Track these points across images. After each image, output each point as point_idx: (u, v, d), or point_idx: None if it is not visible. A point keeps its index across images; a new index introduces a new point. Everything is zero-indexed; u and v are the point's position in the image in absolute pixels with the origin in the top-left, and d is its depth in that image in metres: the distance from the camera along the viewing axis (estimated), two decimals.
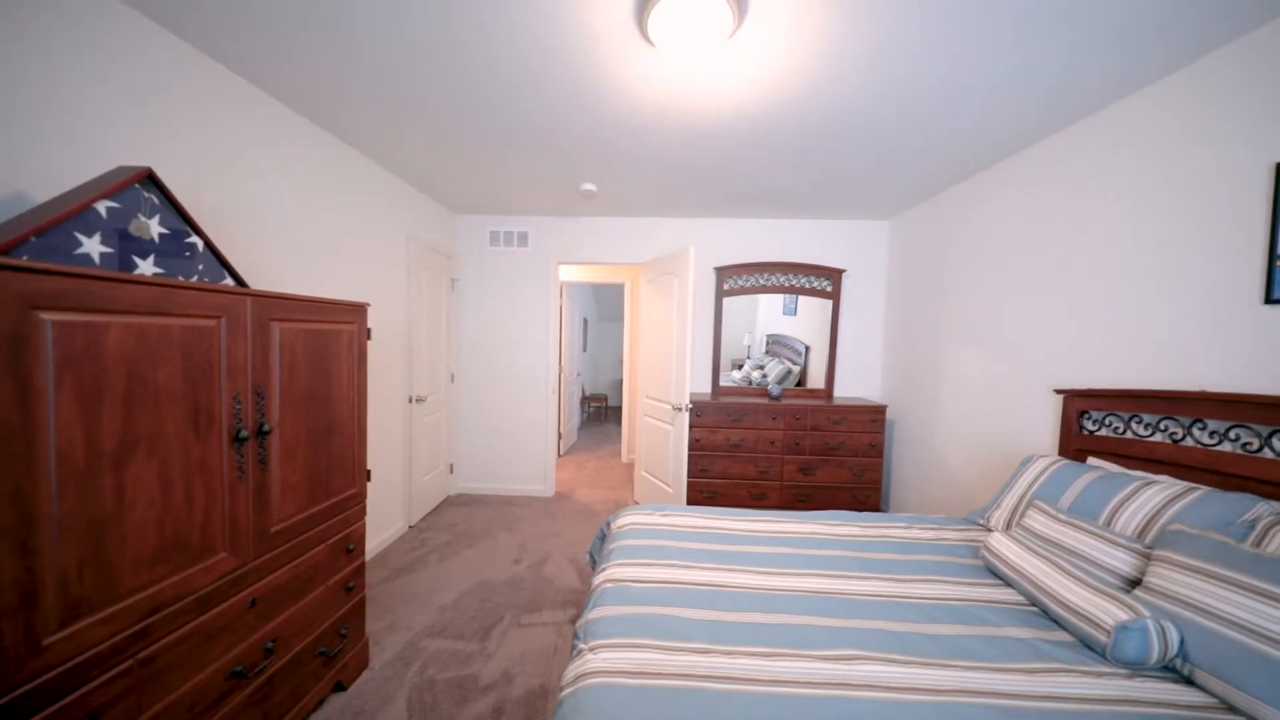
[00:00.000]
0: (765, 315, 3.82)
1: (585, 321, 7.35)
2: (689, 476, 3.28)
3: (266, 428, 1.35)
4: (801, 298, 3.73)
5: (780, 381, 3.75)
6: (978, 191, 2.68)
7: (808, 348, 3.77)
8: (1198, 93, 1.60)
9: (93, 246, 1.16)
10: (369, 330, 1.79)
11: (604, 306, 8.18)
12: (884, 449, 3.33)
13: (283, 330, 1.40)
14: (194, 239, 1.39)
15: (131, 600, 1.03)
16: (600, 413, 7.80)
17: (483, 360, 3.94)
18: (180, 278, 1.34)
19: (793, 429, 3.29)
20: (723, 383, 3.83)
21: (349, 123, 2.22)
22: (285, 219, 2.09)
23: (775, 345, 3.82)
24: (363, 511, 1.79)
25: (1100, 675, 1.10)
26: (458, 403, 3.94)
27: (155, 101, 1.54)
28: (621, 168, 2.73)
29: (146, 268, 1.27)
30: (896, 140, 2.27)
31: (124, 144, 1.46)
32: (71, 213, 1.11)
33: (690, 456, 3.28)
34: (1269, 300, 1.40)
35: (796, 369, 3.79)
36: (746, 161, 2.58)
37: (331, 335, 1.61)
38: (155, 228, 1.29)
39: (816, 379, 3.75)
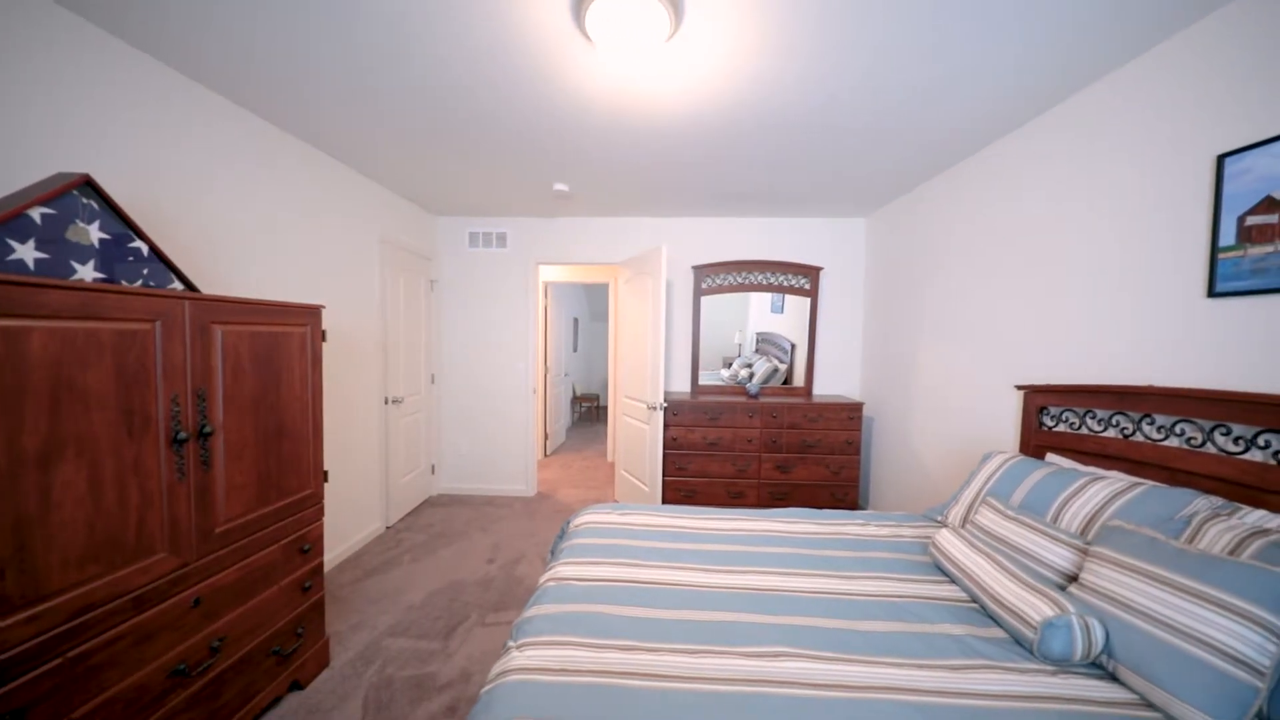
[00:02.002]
0: (756, 313, 3.81)
1: (576, 321, 7.36)
2: (667, 475, 3.28)
3: (208, 429, 1.36)
4: (789, 296, 3.72)
5: (766, 380, 3.75)
6: (940, 190, 2.67)
7: (793, 345, 3.76)
8: (1144, 86, 1.59)
9: (26, 253, 1.17)
10: (324, 332, 1.80)
11: (595, 306, 8.18)
12: (862, 446, 3.31)
13: (226, 333, 1.42)
14: (138, 244, 1.41)
15: (59, 599, 1.05)
16: (591, 413, 7.81)
17: (463, 361, 3.96)
18: (124, 282, 1.36)
19: (770, 427, 3.29)
20: (714, 381, 3.83)
21: (309, 124, 2.23)
22: (252, 224, 2.11)
23: (764, 344, 3.82)
24: (319, 512, 1.81)
25: (1024, 672, 1.10)
26: (439, 404, 3.96)
27: (111, 109, 1.56)
28: (590, 168, 2.73)
29: (86, 273, 1.29)
30: (859, 138, 2.26)
31: (80, 153, 1.48)
32: (2, 220, 1.12)
33: (667, 455, 3.28)
34: (1212, 294, 1.39)
35: (783, 367, 3.78)
36: (714, 161, 2.58)
37: (282, 338, 1.63)
38: (95, 233, 1.31)
39: (801, 377, 3.75)
